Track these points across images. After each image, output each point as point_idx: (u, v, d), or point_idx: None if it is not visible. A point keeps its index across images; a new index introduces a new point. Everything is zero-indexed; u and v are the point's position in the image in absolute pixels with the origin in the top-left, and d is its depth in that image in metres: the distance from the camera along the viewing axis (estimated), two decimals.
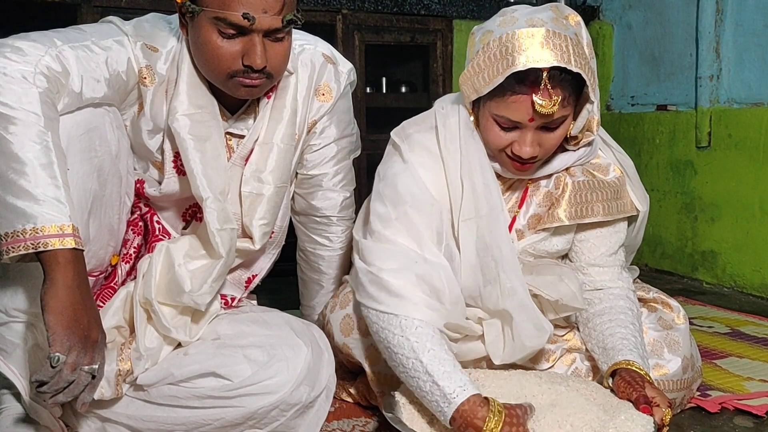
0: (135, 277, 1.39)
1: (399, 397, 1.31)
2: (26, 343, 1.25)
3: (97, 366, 1.09)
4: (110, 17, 1.37)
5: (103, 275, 1.41)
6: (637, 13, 3.13)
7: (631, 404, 1.24)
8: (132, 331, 1.34)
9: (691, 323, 2.19)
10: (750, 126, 2.60)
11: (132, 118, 1.38)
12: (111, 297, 1.37)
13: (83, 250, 1.12)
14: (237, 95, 1.35)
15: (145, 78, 1.34)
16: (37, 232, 1.07)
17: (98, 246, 1.34)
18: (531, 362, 1.48)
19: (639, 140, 3.08)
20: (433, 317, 1.30)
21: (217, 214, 1.35)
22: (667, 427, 1.23)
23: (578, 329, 1.53)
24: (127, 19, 1.39)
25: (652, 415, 1.21)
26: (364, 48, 2.91)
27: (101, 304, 1.35)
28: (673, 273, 2.97)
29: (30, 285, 1.23)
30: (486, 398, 1.19)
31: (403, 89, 3.28)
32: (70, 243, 1.08)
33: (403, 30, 2.99)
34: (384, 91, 3.30)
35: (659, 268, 3.04)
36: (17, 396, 1.30)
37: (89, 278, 1.39)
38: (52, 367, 1.04)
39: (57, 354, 1.05)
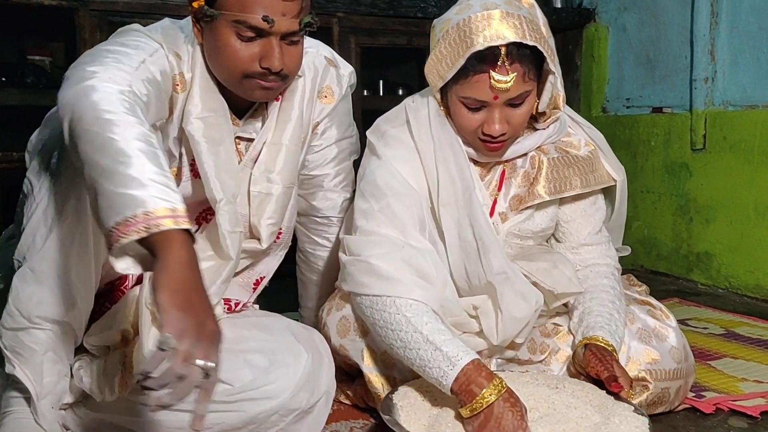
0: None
1: (396, 399, 1.32)
2: (44, 351, 1.26)
3: (213, 365, 0.93)
4: (133, 26, 1.36)
5: (118, 282, 1.42)
6: (632, 15, 3.15)
7: (626, 406, 1.26)
8: (135, 333, 1.35)
9: (685, 324, 2.22)
10: (744, 128, 2.61)
11: (161, 125, 1.39)
12: (119, 300, 1.37)
13: (194, 235, 1.05)
14: (252, 97, 1.37)
15: (177, 85, 1.35)
16: (149, 215, 0.99)
17: None
18: (526, 353, 1.50)
19: (634, 142, 3.10)
20: (425, 296, 1.34)
21: (228, 217, 1.36)
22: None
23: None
24: (125, 24, 1.40)
25: (621, 390, 1.27)
26: (360, 51, 2.91)
27: (109, 306, 1.36)
28: (668, 274, 2.99)
29: (57, 294, 1.24)
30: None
31: (400, 92, 3.29)
32: (184, 223, 1.01)
33: (398, 33, 2.99)
34: (381, 93, 3.30)
35: (654, 269, 3.05)
36: (28, 400, 1.30)
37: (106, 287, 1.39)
38: (161, 351, 0.89)
39: (168, 336, 0.90)
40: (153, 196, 1.01)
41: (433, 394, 1.34)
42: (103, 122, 1.07)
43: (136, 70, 1.21)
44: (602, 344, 1.37)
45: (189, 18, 1.37)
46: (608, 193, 1.63)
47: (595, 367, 1.32)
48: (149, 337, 1.31)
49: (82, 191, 1.21)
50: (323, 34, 2.82)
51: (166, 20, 1.43)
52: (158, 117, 1.30)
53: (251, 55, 1.29)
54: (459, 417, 1.26)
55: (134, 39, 1.31)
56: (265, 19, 1.25)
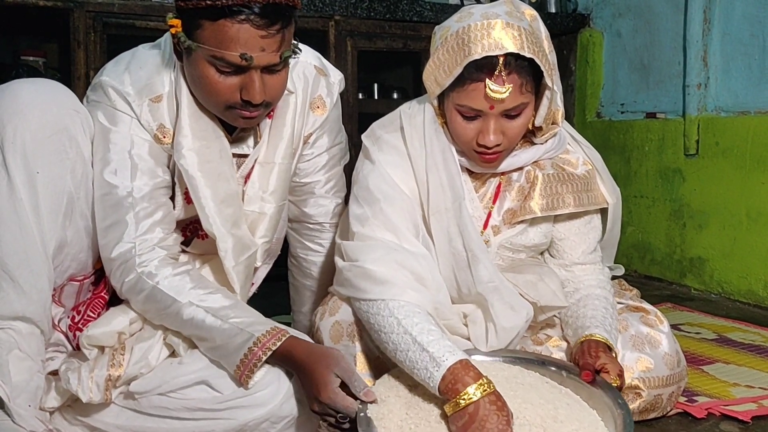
0: None
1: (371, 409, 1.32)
2: (7, 351, 1.25)
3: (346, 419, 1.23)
4: (104, 80, 1.34)
5: (88, 280, 1.41)
6: (626, 21, 3.16)
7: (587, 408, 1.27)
8: (130, 335, 1.35)
9: (678, 329, 2.23)
10: (736, 134, 2.63)
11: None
12: (101, 307, 1.37)
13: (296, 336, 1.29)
14: (236, 124, 1.37)
15: (162, 138, 1.35)
16: (260, 341, 1.26)
17: (77, 249, 1.34)
18: None
19: (628, 147, 3.11)
20: (419, 299, 1.34)
21: (232, 252, 1.37)
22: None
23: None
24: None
25: (593, 381, 1.29)
26: (357, 54, 2.92)
27: (92, 315, 1.36)
28: (661, 279, 3.00)
29: (7, 292, 1.24)
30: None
31: (395, 95, 3.30)
32: (285, 335, 1.27)
33: (395, 36, 2.99)
34: (376, 97, 3.31)
35: (648, 274, 3.06)
36: (2, 403, 1.28)
37: (73, 283, 1.39)
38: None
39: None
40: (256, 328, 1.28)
41: (412, 391, 1.34)
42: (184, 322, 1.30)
43: (133, 193, 1.32)
44: (597, 339, 1.39)
45: (168, 34, 1.33)
46: (603, 212, 1.62)
47: (579, 359, 1.35)
48: (151, 346, 1.32)
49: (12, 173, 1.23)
50: (320, 37, 2.82)
51: (140, 50, 1.39)
52: (164, 169, 1.37)
53: (231, 87, 1.27)
54: (443, 416, 1.24)
55: (111, 131, 1.32)
56: (242, 57, 1.22)
